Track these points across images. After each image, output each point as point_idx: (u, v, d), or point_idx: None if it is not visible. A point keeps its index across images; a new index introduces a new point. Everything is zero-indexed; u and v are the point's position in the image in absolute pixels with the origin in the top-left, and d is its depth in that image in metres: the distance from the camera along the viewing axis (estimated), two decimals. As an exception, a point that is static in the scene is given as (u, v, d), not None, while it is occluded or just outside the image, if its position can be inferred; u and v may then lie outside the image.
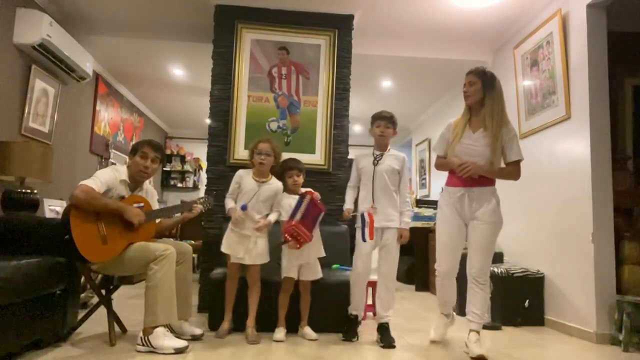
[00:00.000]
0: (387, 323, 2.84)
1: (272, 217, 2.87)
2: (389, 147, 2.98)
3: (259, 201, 2.86)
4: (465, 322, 2.71)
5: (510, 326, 3.49)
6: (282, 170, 2.96)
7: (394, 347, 2.72)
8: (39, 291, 2.29)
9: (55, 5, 4.08)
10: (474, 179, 2.64)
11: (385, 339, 2.77)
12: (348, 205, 2.96)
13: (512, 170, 2.68)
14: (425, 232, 5.53)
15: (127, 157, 3.65)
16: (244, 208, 2.81)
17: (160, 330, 2.41)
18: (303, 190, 2.91)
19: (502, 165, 2.69)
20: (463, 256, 2.78)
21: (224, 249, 2.84)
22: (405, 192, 2.95)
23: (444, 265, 2.79)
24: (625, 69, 3.68)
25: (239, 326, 2.86)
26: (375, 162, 2.90)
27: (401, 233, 2.87)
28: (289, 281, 2.86)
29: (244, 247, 2.79)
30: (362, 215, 2.86)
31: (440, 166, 2.86)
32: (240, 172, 2.96)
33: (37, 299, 2.29)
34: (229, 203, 2.88)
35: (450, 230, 2.73)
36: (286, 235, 2.70)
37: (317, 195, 2.83)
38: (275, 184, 2.94)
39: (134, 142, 2.82)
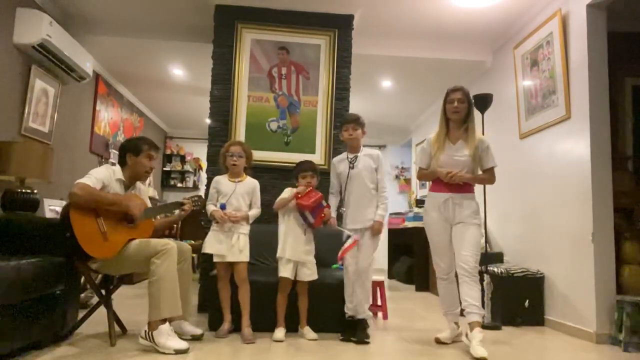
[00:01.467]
0: (364, 319, 2.88)
1: (252, 212, 2.96)
2: (361, 147, 3.05)
3: (237, 199, 2.93)
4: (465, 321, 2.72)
5: (510, 326, 3.49)
6: (296, 172, 3.00)
7: (367, 343, 2.76)
8: (39, 291, 2.29)
9: (55, 5, 4.08)
10: (457, 185, 2.81)
11: (359, 334, 2.80)
12: (333, 214, 3.03)
13: (489, 176, 2.90)
14: (425, 232, 5.52)
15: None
16: (222, 207, 2.89)
17: (165, 327, 2.41)
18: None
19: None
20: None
21: (205, 249, 2.89)
22: (382, 186, 3.02)
23: (442, 262, 2.91)
24: (625, 69, 3.68)
25: (239, 326, 2.86)
26: (351, 165, 2.98)
27: (373, 225, 2.92)
28: (285, 281, 2.87)
29: (226, 244, 2.84)
30: (348, 237, 2.92)
31: (423, 177, 3.04)
32: (216, 178, 3.05)
33: (37, 299, 2.29)
34: (210, 208, 2.95)
35: (439, 230, 2.88)
36: (312, 189, 2.87)
37: (329, 213, 2.92)
38: (250, 181, 3.03)
39: (125, 140, 2.79)
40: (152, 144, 2.75)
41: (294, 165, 3.08)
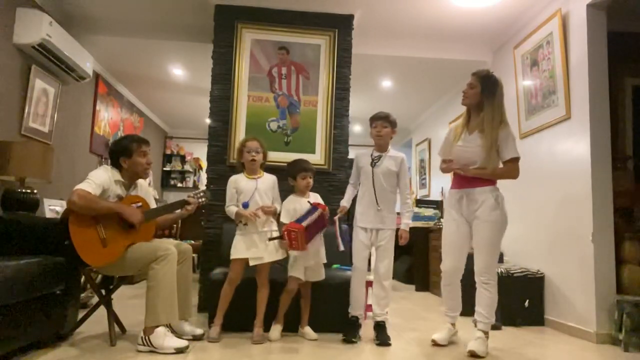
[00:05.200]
0: (383, 322, 2.85)
1: (276, 206, 2.87)
2: (389, 148, 2.98)
3: (261, 195, 2.83)
4: (469, 322, 2.73)
5: (510, 326, 3.49)
6: (295, 171, 2.94)
7: (389, 345, 2.74)
8: (39, 291, 2.29)
9: (55, 5, 4.08)
10: (470, 180, 2.69)
11: (381, 337, 2.78)
12: (344, 202, 3.00)
13: (509, 169, 2.68)
14: (425, 232, 5.52)
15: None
16: (245, 206, 2.79)
17: (161, 330, 2.41)
18: (313, 198, 2.92)
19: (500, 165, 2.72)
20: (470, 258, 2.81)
21: (238, 254, 2.74)
22: (406, 193, 2.96)
23: (447, 263, 2.82)
24: (625, 69, 3.68)
25: (238, 327, 2.87)
26: (373, 163, 2.91)
27: (401, 234, 2.90)
28: (294, 281, 2.82)
29: (261, 245, 2.74)
30: (346, 231, 2.96)
31: (444, 169, 2.87)
32: (232, 178, 2.93)
33: (37, 299, 2.29)
34: (232, 209, 2.81)
35: (453, 229, 2.77)
36: (285, 232, 2.65)
37: (327, 212, 2.84)
38: (269, 176, 2.95)
39: (112, 144, 2.75)
40: (140, 140, 2.71)
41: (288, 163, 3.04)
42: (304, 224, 2.62)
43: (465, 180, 2.70)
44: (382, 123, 2.91)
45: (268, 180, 2.92)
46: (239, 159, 2.94)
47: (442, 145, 2.92)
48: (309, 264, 2.82)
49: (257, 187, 2.83)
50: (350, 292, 2.91)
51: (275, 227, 2.84)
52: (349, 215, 3.18)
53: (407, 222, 2.92)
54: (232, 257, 2.76)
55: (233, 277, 2.78)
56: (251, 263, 2.73)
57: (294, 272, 2.80)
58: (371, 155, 2.95)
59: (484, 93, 2.67)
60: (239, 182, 2.86)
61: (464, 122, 2.78)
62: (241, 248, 2.75)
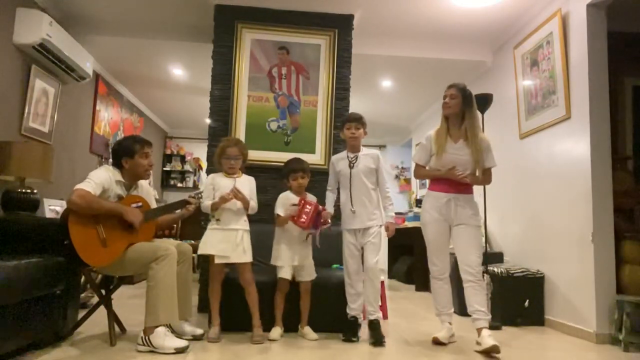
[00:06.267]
0: (377, 319, 2.85)
1: (252, 204, 2.86)
2: (361, 148, 3.04)
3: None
4: (468, 322, 2.73)
5: (510, 326, 3.49)
6: (286, 172, 2.96)
7: (383, 344, 2.73)
8: (39, 291, 2.29)
9: (55, 5, 4.08)
10: (460, 186, 2.82)
11: (374, 335, 2.78)
12: (328, 209, 3.02)
13: (487, 177, 2.93)
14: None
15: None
16: None
17: (161, 330, 2.41)
18: (309, 198, 2.94)
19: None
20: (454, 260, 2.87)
21: (205, 250, 2.73)
22: (385, 188, 3.00)
23: (438, 263, 2.90)
24: (625, 69, 3.68)
25: (238, 327, 2.86)
26: (351, 165, 2.96)
27: (387, 226, 2.94)
28: (283, 282, 2.86)
29: (229, 244, 2.72)
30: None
31: (422, 175, 3.06)
32: (210, 175, 2.96)
33: (37, 299, 2.30)
34: (207, 203, 2.80)
35: (437, 230, 2.87)
36: (302, 201, 2.78)
37: (324, 212, 2.87)
38: (247, 177, 2.97)
39: (115, 144, 2.76)
40: (143, 141, 2.71)
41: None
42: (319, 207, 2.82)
43: (457, 185, 2.81)
44: (356, 125, 2.98)
45: (246, 180, 2.93)
46: (218, 162, 2.94)
47: (419, 152, 3.02)
48: (296, 264, 2.83)
49: (235, 184, 2.83)
50: (346, 293, 2.92)
51: (247, 226, 2.83)
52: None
53: (391, 215, 2.98)
54: (199, 252, 2.76)
55: (214, 273, 2.79)
56: (216, 260, 2.71)
57: (280, 273, 2.84)
58: (347, 157, 3.00)
59: (465, 103, 2.83)
60: (216, 181, 2.88)
61: (444, 131, 2.88)
62: (208, 243, 2.75)
